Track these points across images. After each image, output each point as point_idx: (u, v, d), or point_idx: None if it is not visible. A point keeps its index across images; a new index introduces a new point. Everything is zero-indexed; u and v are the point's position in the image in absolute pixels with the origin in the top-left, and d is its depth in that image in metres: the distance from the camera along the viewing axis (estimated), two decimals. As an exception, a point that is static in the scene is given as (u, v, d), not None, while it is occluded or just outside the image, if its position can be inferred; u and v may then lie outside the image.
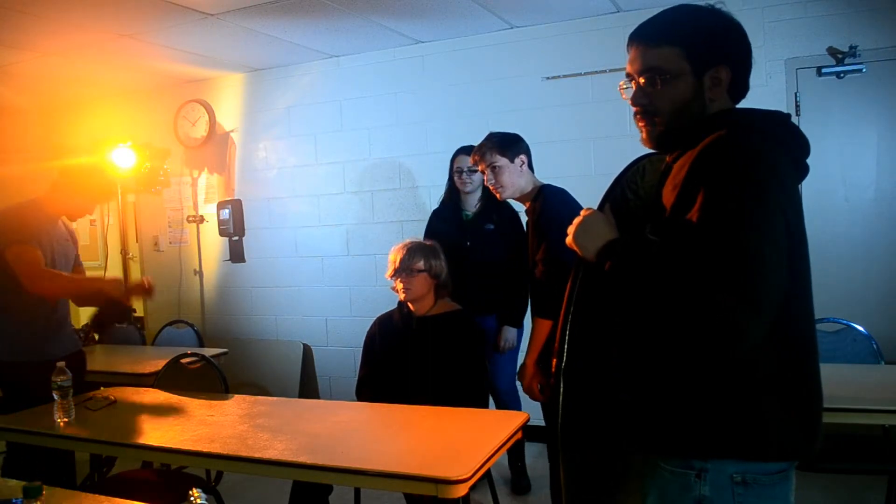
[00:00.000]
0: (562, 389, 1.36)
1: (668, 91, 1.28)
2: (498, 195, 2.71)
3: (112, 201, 3.05)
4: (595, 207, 1.41)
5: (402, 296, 2.78)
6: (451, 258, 3.19)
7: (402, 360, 2.76)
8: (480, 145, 2.71)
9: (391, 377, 2.76)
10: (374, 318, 2.93)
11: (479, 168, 2.73)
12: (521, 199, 2.72)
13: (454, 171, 3.52)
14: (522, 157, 2.68)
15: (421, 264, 2.75)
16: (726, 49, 1.27)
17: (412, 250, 2.77)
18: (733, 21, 1.29)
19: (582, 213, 1.36)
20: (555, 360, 1.38)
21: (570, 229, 1.35)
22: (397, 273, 2.76)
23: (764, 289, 1.09)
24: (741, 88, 1.31)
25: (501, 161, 2.65)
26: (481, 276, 3.38)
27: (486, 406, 2.76)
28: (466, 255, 3.41)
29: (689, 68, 1.26)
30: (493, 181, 2.68)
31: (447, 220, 3.59)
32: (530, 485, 3.53)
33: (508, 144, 2.67)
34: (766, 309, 1.10)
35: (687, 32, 1.28)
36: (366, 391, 2.81)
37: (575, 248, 1.34)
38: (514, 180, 2.66)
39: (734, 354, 1.12)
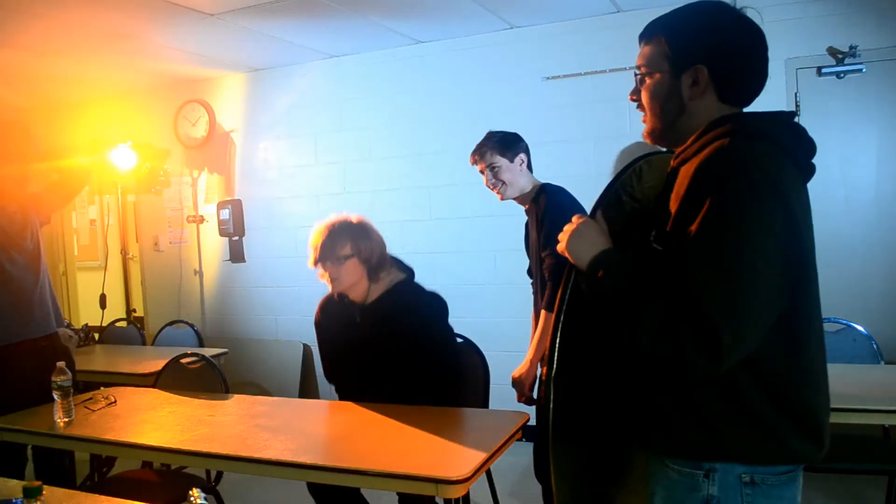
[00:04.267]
0: (552, 397, 1.35)
1: (650, 88, 1.31)
2: (499, 196, 2.70)
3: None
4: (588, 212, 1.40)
5: (330, 287, 2.44)
6: None
7: (355, 356, 2.49)
8: (479, 145, 2.69)
9: (349, 372, 2.53)
10: (317, 304, 2.65)
11: (479, 168, 2.72)
12: (520, 199, 2.71)
13: None
14: (522, 156, 2.66)
15: (347, 249, 2.38)
16: (706, 49, 1.25)
17: (335, 232, 2.39)
18: (729, 20, 1.26)
19: (574, 219, 1.35)
20: (545, 368, 1.38)
21: (563, 236, 1.35)
22: (320, 260, 2.39)
23: (754, 307, 1.09)
24: (738, 91, 1.28)
25: (501, 161, 2.63)
26: None
27: (461, 385, 2.57)
28: None
29: (668, 67, 1.27)
30: (493, 181, 2.67)
31: None
32: None
33: (508, 144, 2.65)
34: (755, 327, 1.10)
35: (670, 31, 1.28)
36: (334, 379, 2.63)
37: (567, 255, 1.33)
38: (514, 180, 2.64)
39: (719, 371, 1.11)
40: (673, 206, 1.21)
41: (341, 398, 2.63)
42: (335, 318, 2.54)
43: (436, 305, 2.48)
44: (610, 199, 1.39)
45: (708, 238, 1.10)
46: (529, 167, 2.72)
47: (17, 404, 2.58)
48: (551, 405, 1.35)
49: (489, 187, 2.71)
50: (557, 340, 1.36)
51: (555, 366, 1.35)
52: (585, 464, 1.40)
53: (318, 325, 2.62)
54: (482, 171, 2.70)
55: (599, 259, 1.27)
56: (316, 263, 2.41)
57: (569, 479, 1.39)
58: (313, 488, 2.48)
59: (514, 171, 2.64)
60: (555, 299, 2.49)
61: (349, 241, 2.39)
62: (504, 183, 2.64)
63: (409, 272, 2.55)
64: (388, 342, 2.42)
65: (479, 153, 2.67)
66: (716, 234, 1.10)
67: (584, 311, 1.34)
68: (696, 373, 1.14)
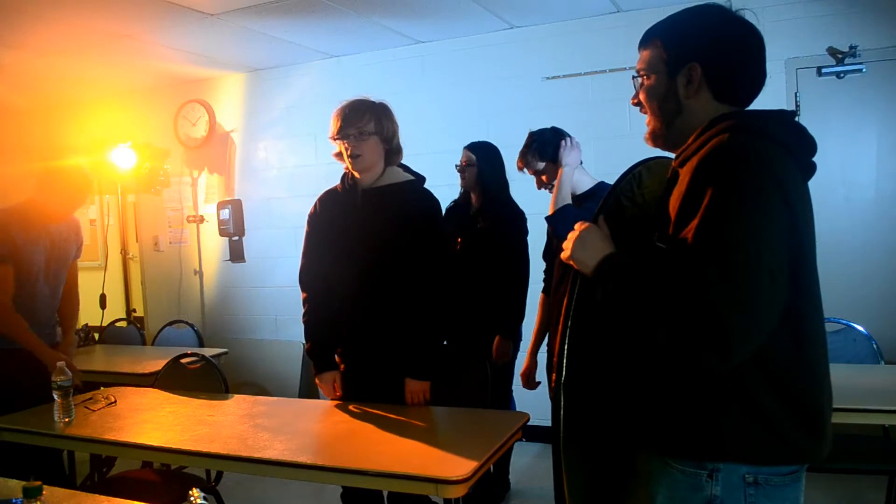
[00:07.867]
0: (563, 403, 1.35)
1: (649, 90, 1.33)
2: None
3: (84, 204, 3.02)
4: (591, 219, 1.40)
5: (348, 163, 2.38)
6: None
7: (344, 239, 2.41)
8: (522, 152, 2.64)
9: (334, 260, 2.44)
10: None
11: (529, 173, 2.66)
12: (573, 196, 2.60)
13: None
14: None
15: (372, 126, 2.33)
16: (699, 48, 1.26)
17: (360, 107, 2.34)
18: (723, 21, 1.26)
19: (577, 226, 1.35)
20: (554, 374, 1.38)
21: (567, 244, 1.34)
22: (343, 134, 2.33)
23: (761, 299, 1.08)
24: (734, 90, 1.28)
25: (541, 165, 2.59)
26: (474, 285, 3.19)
27: (447, 295, 2.46)
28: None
29: (665, 68, 1.29)
30: (541, 186, 2.63)
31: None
32: (509, 487, 3.50)
33: (546, 145, 2.59)
34: (763, 319, 1.09)
35: (665, 32, 1.31)
36: (309, 282, 2.56)
37: (572, 262, 1.33)
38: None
39: (730, 365, 1.11)
40: (675, 204, 1.21)
41: (310, 312, 2.54)
42: (334, 207, 2.48)
43: (440, 212, 2.48)
44: (611, 204, 1.40)
45: (712, 232, 1.10)
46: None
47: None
48: (562, 412, 1.35)
49: (538, 188, 2.66)
50: (566, 347, 1.35)
51: (564, 372, 1.35)
52: (597, 470, 1.40)
53: (313, 216, 2.54)
54: (532, 175, 2.65)
55: (603, 265, 1.27)
56: (338, 135, 2.35)
57: (580, 486, 1.38)
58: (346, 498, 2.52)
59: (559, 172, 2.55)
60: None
61: (373, 118, 2.34)
62: (553, 186, 2.55)
63: (421, 177, 2.51)
64: (386, 228, 2.34)
65: (524, 160, 2.62)
66: (720, 228, 1.10)
67: (591, 317, 1.33)
68: (705, 369, 1.14)
